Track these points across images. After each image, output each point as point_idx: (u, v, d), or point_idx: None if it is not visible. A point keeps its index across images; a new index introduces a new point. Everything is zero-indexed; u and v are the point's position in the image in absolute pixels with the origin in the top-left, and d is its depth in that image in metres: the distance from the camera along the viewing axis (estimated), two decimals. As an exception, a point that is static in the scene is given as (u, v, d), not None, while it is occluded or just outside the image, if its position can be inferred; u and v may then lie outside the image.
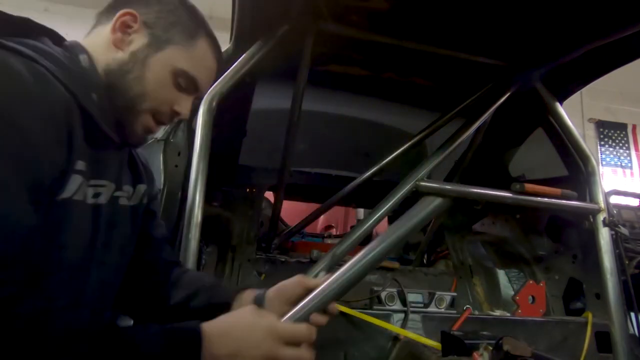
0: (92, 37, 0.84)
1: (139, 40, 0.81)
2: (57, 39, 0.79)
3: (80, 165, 0.70)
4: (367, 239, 1.50)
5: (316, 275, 1.35)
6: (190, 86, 0.85)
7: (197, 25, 0.85)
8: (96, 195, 0.77)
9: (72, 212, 0.71)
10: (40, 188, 0.63)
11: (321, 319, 0.83)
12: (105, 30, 0.82)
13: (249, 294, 0.91)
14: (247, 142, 1.96)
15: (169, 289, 0.94)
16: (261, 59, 1.37)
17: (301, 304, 0.80)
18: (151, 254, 0.98)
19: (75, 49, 0.79)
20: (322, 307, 0.81)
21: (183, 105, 0.86)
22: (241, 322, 0.70)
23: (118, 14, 0.81)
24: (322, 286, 0.83)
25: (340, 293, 0.80)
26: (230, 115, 1.74)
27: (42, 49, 0.70)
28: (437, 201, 0.78)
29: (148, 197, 0.97)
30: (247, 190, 2.06)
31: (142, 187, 0.94)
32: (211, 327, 0.67)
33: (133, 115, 0.81)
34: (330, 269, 1.28)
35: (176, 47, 0.82)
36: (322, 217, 2.85)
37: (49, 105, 0.64)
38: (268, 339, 0.68)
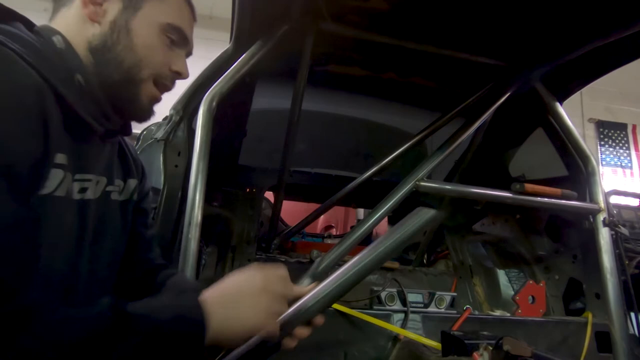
0: (59, 18, 0.77)
1: (113, 7, 0.76)
2: (29, 25, 0.73)
3: (60, 158, 0.65)
4: (367, 239, 1.50)
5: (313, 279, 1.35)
6: (180, 39, 0.81)
7: None
8: (82, 190, 0.73)
9: (54, 209, 0.66)
10: (17, 180, 0.57)
11: (304, 331, 0.78)
12: (73, 8, 0.76)
13: None
14: (247, 142, 1.96)
15: (153, 292, 0.90)
16: (261, 59, 1.37)
17: (282, 315, 0.73)
18: (139, 255, 0.95)
19: (46, 32, 0.73)
20: (305, 318, 0.76)
21: (180, 64, 0.82)
22: (232, 280, 0.71)
23: None
24: (306, 297, 0.76)
25: (325, 305, 0.77)
26: (230, 115, 1.75)
27: (11, 32, 0.65)
28: (430, 213, 0.76)
29: (139, 193, 0.94)
30: (247, 190, 2.06)
31: (132, 182, 0.91)
32: (209, 296, 0.67)
33: (134, 86, 0.77)
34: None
35: (152, 2, 0.78)
36: (322, 217, 2.85)
37: (18, 91, 0.58)
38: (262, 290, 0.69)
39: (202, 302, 0.65)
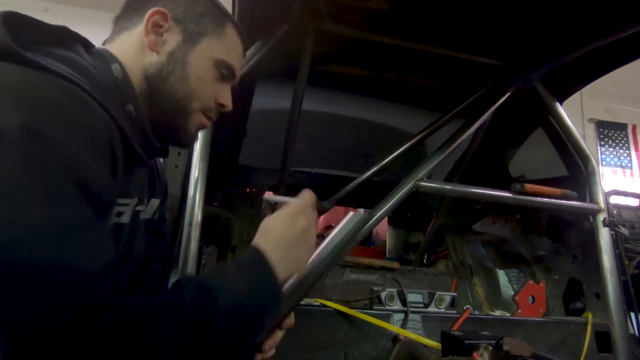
0: (119, 43, 0.78)
1: (173, 39, 0.78)
2: (87, 46, 0.74)
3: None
4: (367, 239, 1.50)
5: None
6: (229, 75, 0.83)
7: (222, 12, 0.82)
8: (119, 214, 0.72)
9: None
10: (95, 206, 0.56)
11: (277, 336, 0.80)
12: (134, 34, 0.77)
13: None
14: (247, 142, 1.96)
15: None
16: (261, 59, 1.37)
17: None
18: (144, 279, 0.91)
19: (106, 58, 0.73)
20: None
21: (226, 96, 0.84)
22: (277, 228, 0.75)
23: (148, 14, 0.76)
24: None
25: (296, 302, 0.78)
26: (230, 115, 1.74)
27: (74, 61, 0.65)
28: (359, 216, 0.85)
29: (159, 213, 0.94)
30: (247, 190, 2.06)
31: (155, 202, 0.91)
32: (261, 244, 0.71)
33: (184, 117, 0.79)
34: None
35: (210, 38, 0.80)
36: (322, 217, 2.85)
37: (92, 130, 0.57)
38: (296, 226, 0.75)
39: (268, 261, 0.68)
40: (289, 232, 0.74)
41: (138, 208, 0.81)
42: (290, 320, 0.82)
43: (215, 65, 0.80)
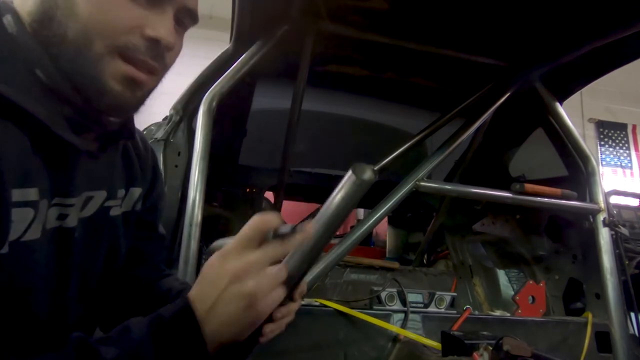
0: None
1: None
2: None
3: (24, 194, 0.50)
4: (367, 239, 1.50)
5: (313, 279, 1.34)
6: None
7: None
8: (62, 216, 0.57)
9: (26, 255, 0.52)
10: None
11: (293, 307, 0.61)
12: None
13: None
14: (247, 142, 1.96)
15: (151, 305, 0.74)
16: (261, 59, 1.37)
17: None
18: (134, 271, 0.81)
19: (2, 9, 0.53)
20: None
21: (158, 25, 0.55)
22: (203, 271, 0.54)
23: None
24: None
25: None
26: (230, 115, 1.75)
27: None
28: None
29: (144, 202, 0.79)
30: (247, 190, 2.06)
31: (136, 191, 0.76)
32: (193, 294, 0.52)
33: (91, 67, 0.53)
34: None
35: None
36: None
37: None
38: (222, 273, 0.51)
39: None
40: (215, 280, 0.51)
41: (108, 203, 0.67)
42: (303, 288, 0.62)
43: None
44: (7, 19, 0.52)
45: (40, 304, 0.55)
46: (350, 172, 0.55)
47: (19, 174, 0.49)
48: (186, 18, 0.61)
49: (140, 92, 0.58)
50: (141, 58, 0.55)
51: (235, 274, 0.50)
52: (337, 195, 0.57)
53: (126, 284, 0.80)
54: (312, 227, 0.55)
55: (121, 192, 0.72)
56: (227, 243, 0.56)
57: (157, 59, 0.57)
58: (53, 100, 0.53)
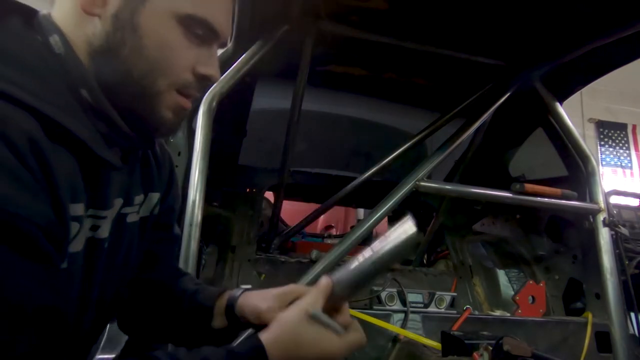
0: (57, 8, 0.59)
1: None
2: (30, 15, 0.57)
3: (75, 209, 0.54)
4: (367, 239, 1.50)
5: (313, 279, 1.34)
6: (207, 33, 0.61)
7: None
8: (95, 228, 0.62)
9: (69, 266, 0.56)
10: (29, 245, 0.45)
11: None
12: None
13: (225, 297, 0.80)
14: (247, 142, 1.96)
15: (168, 306, 0.83)
16: (261, 59, 1.37)
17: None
18: (148, 274, 0.84)
19: (46, 29, 0.56)
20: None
21: (208, 63, 0.62)
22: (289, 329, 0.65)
23: None
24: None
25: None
26: (230, 115, 1.75)
27: (3, 50, 0.51)
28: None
29: (161, 206, 0.81)
30: (247, 190, 2.06)
31: (154, 196, 0.78)
32: (269, 340, 0.62)
33: (151, 101, 0.60)
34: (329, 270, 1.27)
35: None
36: (322, 217, 2.85)
37: (3, 152, 0.43)
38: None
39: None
40: (300, 338, 0.64)
41: (124, 210, 0.69)
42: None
43: (180, 23, 0.58)
44: (55, 39, 0.55)
45: (70, 311, 0.59)
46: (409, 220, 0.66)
47: (70, 190, 0.52)
48: (221, 48, 0.69)
49: (183, 116, 0.65)
50: (191, 92, 0.63)
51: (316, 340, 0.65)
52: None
53: (142, 286, 0.82)
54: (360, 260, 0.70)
55: (139, 198, 0.74)
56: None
57: (200, 90, 0.65)
58: (91, 118, 0.57)
